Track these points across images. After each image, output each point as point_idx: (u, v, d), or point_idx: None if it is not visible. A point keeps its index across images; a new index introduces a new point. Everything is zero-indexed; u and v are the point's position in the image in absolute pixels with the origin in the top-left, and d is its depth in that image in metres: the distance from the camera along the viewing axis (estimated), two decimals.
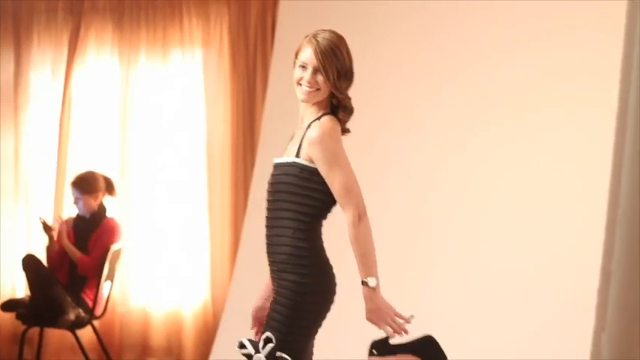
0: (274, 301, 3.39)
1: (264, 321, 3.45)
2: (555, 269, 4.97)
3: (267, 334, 3.33)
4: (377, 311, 3.27)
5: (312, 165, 3.33)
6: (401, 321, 3.29)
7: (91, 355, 6.71)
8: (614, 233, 2.73)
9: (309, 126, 3.37)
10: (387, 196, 5.81)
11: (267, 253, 3.49)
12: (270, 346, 3.31)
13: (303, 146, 3.34)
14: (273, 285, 3.45)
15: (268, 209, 3.48)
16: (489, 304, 5.28)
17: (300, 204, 3.35)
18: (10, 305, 6.57)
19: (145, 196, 7.09)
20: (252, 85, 7.02)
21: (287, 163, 3.38)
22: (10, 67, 7.38)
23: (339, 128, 3.39)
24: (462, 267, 5.48)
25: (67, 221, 6.61)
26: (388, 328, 3.28)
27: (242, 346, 3.42)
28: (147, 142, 7.10)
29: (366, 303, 3.28)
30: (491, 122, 5.54)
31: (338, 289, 3.44)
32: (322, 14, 6.27)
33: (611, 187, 2.80)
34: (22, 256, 6.39)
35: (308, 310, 3.34)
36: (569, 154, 5.08)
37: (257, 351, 3.35)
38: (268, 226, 3.47)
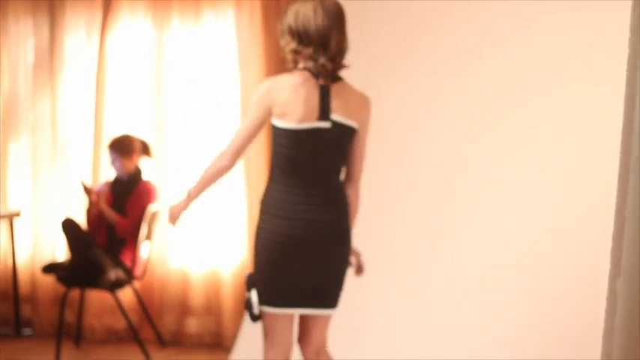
0: None
1: None
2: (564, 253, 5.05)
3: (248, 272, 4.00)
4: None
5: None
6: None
7: (131, 315, 6.81)
8: (627, 182, 2.73)
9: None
10: (390, 193, 5.84)
11: None
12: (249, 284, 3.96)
13: None
14: None
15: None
16: (497, 283, 5.33)
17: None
18: (51, 268, 6.66)
19: (181, 157, 7.12)
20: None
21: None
22: (45, 32, 7.41)
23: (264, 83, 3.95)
24: (470, 258, 5.53)
25: (105, 183, 6.68)
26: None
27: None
28: (182, 104, 7.13)
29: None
30: (495, 116, 5.57)
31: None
32: None
33: (623, 133, 2.81)
34: (62, 219, 6.47)
35: (262, 253, 3.92)
36: (580, 107, 5.12)
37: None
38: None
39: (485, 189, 5.56)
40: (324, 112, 3.82)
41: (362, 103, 3.94)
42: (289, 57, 3.92)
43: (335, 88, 3.87)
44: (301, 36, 3.86)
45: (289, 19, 3.88)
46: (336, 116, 3.84)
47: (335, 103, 3.85)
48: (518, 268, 5.29)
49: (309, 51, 3.85)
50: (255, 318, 3.95)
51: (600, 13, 5.09)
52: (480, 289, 5.42)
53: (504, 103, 5.54)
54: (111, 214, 6.51)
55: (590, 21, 5.16)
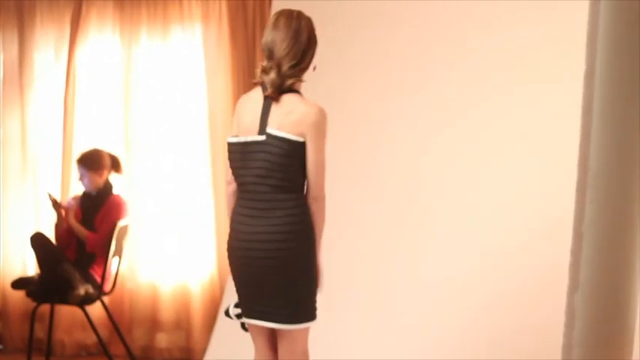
0: None
1: None
2: (531, 236, 5.07)
3: None
4: None
5: None
6: None
7: (101, 330, 6.81)
8: (584, 196, 2.78)
9: None
10: (376, 182, 5.87)
11: None
12: None
13: None
14: None
15: None
16: (474, 277, 5.36)
17: None
18: (20, 283, 6.66)
19: (150, 171, 7.15)
20: (251, 60, 7.05)
21: None
22: (14, 48, 7.44)
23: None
24: (450, 246, 5.55)
25: (74, 198, 6.69)
26: None
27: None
28: (150, 118, 7.15)
29: None
30: (471, 103, 5.60)
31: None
32: None
33: (580, 148, 2.85)
34: (31, 234, 6.47)
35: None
36: (538, 119, 5.17)
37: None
38: None
39: (443, 198, 5.59)
40: (261, 126, 3.86)
41: (306, 115, 3.84)
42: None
43: (281, 102, 3.88)
44: (263, 51, 3.94)
45: None
46: (273, 130, 3.84)
47: (275, 117, 3.86)
48: (474, 283, 5.31)
49: (263, 65, 3.91)
50: (241, 325, 4.19)
51: (561, 12, 5.12)
52: (438, 299, 5.45)
53: (465, 108, 5.57)
54: (80, 229, 6.51)
55: (551, 21, 5.19)
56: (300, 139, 3.82)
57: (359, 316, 5.65)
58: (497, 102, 5.43)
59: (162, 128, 7.14)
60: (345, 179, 5.63)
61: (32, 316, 6.58)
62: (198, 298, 7.04)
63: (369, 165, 5.89)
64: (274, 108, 3.86)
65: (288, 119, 3.83)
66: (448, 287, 5.42)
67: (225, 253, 6.76)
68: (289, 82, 3.88)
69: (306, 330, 3.98)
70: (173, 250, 7.12)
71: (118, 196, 6.67)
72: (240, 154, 3.91)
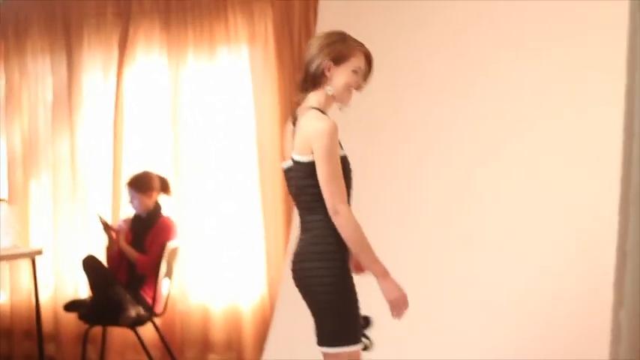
0: None
1: None
2: (575, 253, 5.01)
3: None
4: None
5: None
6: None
7: (153, 352, 6.82)
8: (628, 214, 2.76)
9: None
10: (381, 190, 5.85)
11: None
12: None
13: None
14: None
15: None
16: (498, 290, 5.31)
17: None
18: (73, 306, 6.71)
19: (199, 193, 7.18)
20: (298, 80, 7.06)
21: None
22: (63, 71, 7.52)
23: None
24: (453, 265, 5.51)
25: (125, 221, 6.72)
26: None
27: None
28: (198, 139, 7.18)
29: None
30: (500, 120, 5.55)
31: None
32: (361, 8, 6.33)
33: (623, 167, 2.82)
34: (83, 257, 6.51)
35: None
36: (579, 147, 5.10)
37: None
38: None
39: (481, 219, 5.55)
40: (289, 150, 3.80)
41: (308, 131, 3.66)
42: None
43: (299, 122, 3.77)
44: None
45: None
46: (293, 153, 3.74)
47: (295, 140, 3.74)
48: (519, 301, 5.26)
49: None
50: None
51: (596, 33, 5.06)
52: (480, 323, 5.40)
53: (505, 131, 5.53)
54: (130, 252, 6.54)
55: (586, 42, 5.14)
56: (311, 158, 3.66)
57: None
58: (539, 117, 5.37)
59: (211, 149, 7.17)
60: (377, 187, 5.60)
61: (84, 339, 6.63)
62: (249, 318, 7.05)
63: (382, 169, 5.88)
64: (297, 129, 3.77)
65: (298, 140, 3.70)
66: (486, 303, 5.39)
67: (277, 271, 6.84)
68: (299, 98, 3.87)
69: (347, 354, 3.87)
70: (223, 271, 7.14)
71: (167, 217, 6.69)
72: (286, 181, 3.89)
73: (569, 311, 4.97)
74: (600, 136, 4.90)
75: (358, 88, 3.66)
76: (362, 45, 3.67)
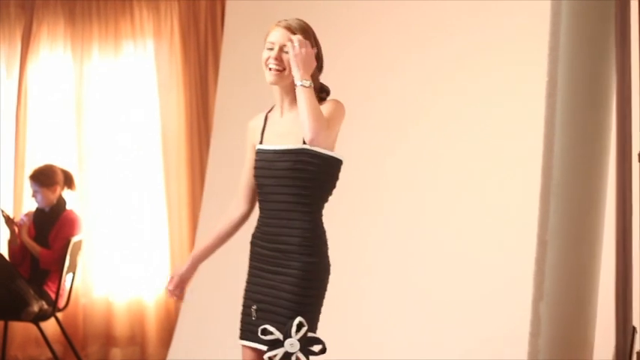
0: (285, 287, 3.44)
1: (266, 307, 3.49)
2: (497, 244, 5.10)
3: (300, 318, 3.37)
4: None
5: (325, 152, 3.42)
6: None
7: (55, 346, 6.75)
8: (548, 204, 2.85)
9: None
10: (348, 193, 5.90)
11: (270, 239, 3.53)
12: (304, 329, 3.36)
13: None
14: (278, 269, 3.49)
15: (268, 195, 3.54)
16: (433, 285, 5.39)
17: (310, 188, 3.44)
18: None
19: (103, 187, 7.17)
20: (204, 75, 7.13)
21: (296, 149, 3.44)
22: None
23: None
24: (412, 255, 5.56)
25: (27, 215, 6.67)
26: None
27: (266, 332, 3.43)
28: (103, 134, 7.18)
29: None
30: (427, 106, 5.63)
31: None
32: (270, 4, 6.37)
33: (544, 157, 2.91)
34: None
35: (320, 287, 3.47)
36: (504, 131, 5.21)
37: (286, 336, 3.38)
38: (271, 211, 3.53)
39: (423, 173, 5.59)
40: None
41: None
42: (317, 83, 3.60)
43: None
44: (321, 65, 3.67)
45: (314, 44, 3.55)
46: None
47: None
48: (438, 290, 5.34)
49: None
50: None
51: (522, 12, 5.14)
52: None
53: (437, 87, 5.58)
54: (33, 246, 6.48)
55: (514, 20, 5.22)
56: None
57: (364, 323, 5.64)
58: (463, 111, 5.46)
59: (115, 144, 7.17)
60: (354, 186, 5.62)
61: None
62: (153, 312, 7.06)
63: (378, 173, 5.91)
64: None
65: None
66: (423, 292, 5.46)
67: (181, 265, 6.82)
68: None
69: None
70: (127, 265, 7.13)
71: (71, 211, 6.65)
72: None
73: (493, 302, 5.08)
74: (523, 128, 5.02)
75: (272, 61, 3.46)
76: (284, 19, 3.54)
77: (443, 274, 5.34)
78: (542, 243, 2.89)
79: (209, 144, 6.94)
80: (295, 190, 3.44)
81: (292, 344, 3.37)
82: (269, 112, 3.69)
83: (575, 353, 3.02)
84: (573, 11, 2.89)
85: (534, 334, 3.01)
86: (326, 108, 3.45)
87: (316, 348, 3.39)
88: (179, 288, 3.81)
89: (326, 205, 3.52)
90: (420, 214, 5.58)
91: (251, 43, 6.51)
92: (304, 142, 3.41)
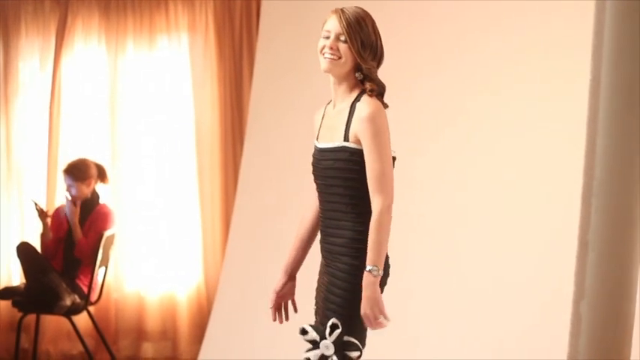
0: (331, 286, 3.41)
1: (320, 305, 3.48)
2: (535, 245, 5.05)
3: (333, 319, 3.34)
4: (372, 300, 3.25)
5: (361, 147, 3.33)
6: (381, 318, 3.29)
7: (87, 340, 6.78)
8: (590, 204, 2.81)
9: (352, 107, 3.36)
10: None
11: (323, 236, 3.51)
12: (337, 331, 3.33)
13: (351, 128, 3.34)
14: (327, 268, 3.47)
15: (322, 193, 3.49)
16: (469, 285, 5.34)
17: (355, 188, 3.35)
18: (6, 293, 6.64)
19: (137, 181, 7.17)
20: (238, 70, 7.10)
21: (335, 148, 3.39)
22: (0, 58, 7.43)
23: (384, 109, 3.40)
24: (442, 257, 5.51)
25: (59, 208, 6.68)
26: (367, 321, 3.29)
27: (304, 332, 3.43)
28: (136, 128, 7.18)
29: (365, 290, 3.27)
30: (466, 108, 5.58)
31: None
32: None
33: (586, 157, 2.88)
34: (17, 243, 6.46)
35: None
36: (543, 132, 5.15)
37: (322, 337, 3.36)
38: (325, 210, 3.48)
39: (462, 173, 5.52)
40: None
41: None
42: (375, 75, 3.47)
43: None
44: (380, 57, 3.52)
45: (372, 33, 3.43)
46: None
47: None
48: (478, 297, 5.30)
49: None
50: None
51: (569, 15, 5.07)
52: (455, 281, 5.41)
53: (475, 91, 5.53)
54: (77, 228, 6.48)
55: (559, 24, 5.16)
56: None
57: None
58: (503, 106, 5.40)
59: (149, 138, 7.17)
60: None
61: (18, 327, 6.58)
62: (185, 308, 7.06)
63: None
64: None
65: None
66: (452, 291, 5.41)
67: (213, 261, 6.81)
68: None
69: None
70: (159, 260, 7.14)
71: (104, 205, 6.66)
72: None
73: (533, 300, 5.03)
74: (562, 128, 4.96)
75: (328, 50, 3.37)
76: (341, 7, 3.42)
77: (479, 275, 5.30)
78: (583, 243, 2.86)
79: (243, 140, 6.92)
80: (339, 189, 3.40)
81: (327, 346, 3.35)
82: (329, 103, 3.60)
83: (614, 353, 2.99)
84: (618, 10, 2.84)
85: (575, 334, 2.97)
86: (370, 132, 3.29)
87: (354, 354, 3.34)
88: (276, 305, 3.70)
89: None
90: (455, 215, 5.54)
91: (286, 38, 6.55)
92: (345, 139, 3.35)
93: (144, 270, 7.16)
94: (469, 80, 5.57)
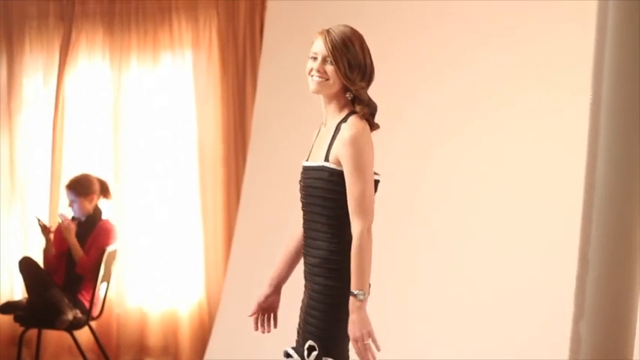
0: (309, 306, 3.39)
1: (300, 326, 3.46)
2: (536, 262, 5.04)
3: (310, 342, 3.33)
4: (359, 323, 3.21)
5: (340, 168, 3.28)
6: (370, 343, 3.23)
7: (89, 355, 6.78)
8: (591, 222, 2.82)
9: (337, 128, 3.33)
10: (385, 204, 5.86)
11: (303, 254, 3.49)
12: (314, 354, 3.31)
13: (332, 149, 3.31)
14: (307, 287, 3.45)
15: (303, 211, 3.46)
16: (472, 296, 5.34)
17: (333, 208, 3.31)
18: (8, 307, 6.64)
19: (139, 197, 7.19)
20: (242, 86, 7.12)
21: (316, 167, 3.36)
22: (3, 73, 7.45)
23: (369, 130, 3.36)
24: (450, 265, 5.51)
25: (65, 216, 6.69)
26: (358, 346, 3.23)
27: (287, 355, 3.44)
28: (139, 144, 7.19)
29: (351, 314, 3.23)
30: (472, 116, 5.58)
31: None
32: (309, 14, 6.35)
33: (587, 174, 2.88)
34: (19, 258, 6.47)
35: (346, 312, 3.26)
36: (545, 146, 5.15)
37: (303, 359, 3.35)
38: (305, 228, 3.46)
39: (470, 181, 5.51)
40: None
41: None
42: (364, 96, 3.42)
43: None
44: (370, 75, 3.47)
45: (360, 53, 3.37)
46: None
47: None
48: (481, 307, 5.29)
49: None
50: None
51: (569, 28, 5.08)
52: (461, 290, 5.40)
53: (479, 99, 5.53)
54: (77, 248, 6.47)
55: (557, 32, 5.17)
56: None
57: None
58: (510, 115, 5.41)
59: (152, 154, 7.18)
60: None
61: (20, 341, 6.58)
62: (187, 323, 7.06)
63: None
64: None
65: None
66: (450, 302, 5.41)
67: (215, 277, 6.80)
68: None
69: None
70: (161, 276, 7.14)
71: (107, 221, 6.67)
72: None
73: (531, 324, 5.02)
74: (564, 144, 4.96)
75: (315, 72, 3.35)
76: (328, 28, 3.39)
77: (481, 286, 5.30)
78: (584, 261, 2.86)
79: (245, 156, 6.93)
80: (318, 209, 3.36)
81: None
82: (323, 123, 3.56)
83: None
84: (619, 23, 2.85)
85: (574, 352, 2.97)
86: (350, 155, 3.25)
87: None
88: (257, 315, 3.68)
89: None
90: (458, 226, 5.54)
91: (290, 55, 6.56)
92: (326, 159, 3.33)
93: (146, 285, 7.17)
94: (474, 91, 5.59)
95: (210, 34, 7.15)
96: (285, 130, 6.50)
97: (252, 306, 3.69)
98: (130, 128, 7.21)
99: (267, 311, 3.68)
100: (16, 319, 6.52)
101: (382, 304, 5.39)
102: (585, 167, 2.90)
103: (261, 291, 3.70)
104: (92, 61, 7.35)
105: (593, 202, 2.84)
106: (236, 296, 6.51)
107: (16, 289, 7.30)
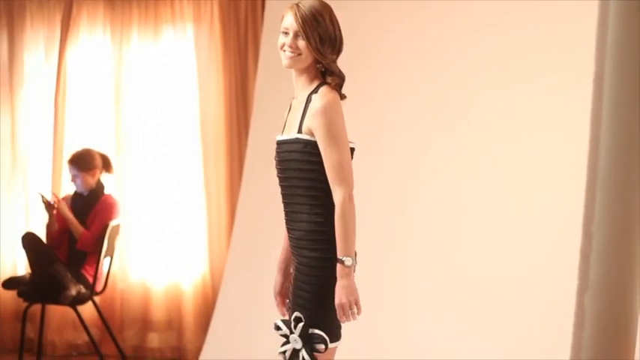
0: (296, 279, 3.42)
1: (290, 299, 3.49)
2: (540, 240, 5.04)
3: (296, 313, 3.36)
4: (346, 289, 3.24)
5: (314, 139, 3.31)
6: (355, 310, 3.27)
7: (92, 330, 6.82)
8: (594, 195, 2.81)
9: (308, 99, 3.36)
10: (365, 186, 5.87)
11: (287, 228, 3.50)
12: (300, 325, 3.33)
13: (305, 120, 3.33)
14: (294, 260, 3.48)
15: (281, 186, 3.47)
16: (469, 289, 5.33)
17: (311, 179, 3.33)
18: (11, 283, 6.66)
19: (142, 171, 7.18)
20: (243, 60, 7.11)
21: (290, 140, 3.37)
22: (4, 49, 7.44)
23: (339, 100, 3.38)
24: (446, 253, 5.50)
25: (64, 198, 6.69)
26: (341, 311, 3.26)
27: (277, 327, 3.49)
28: (141, 118, 7.18)
29: (339, 279, 3.26)
30: (469, 105, 5.57)
31: None
32: None
33: (590, 150, 2.87)
34: (22, 234, 6.48)
35: (332, 283, 3.30)
36: (547, 126, 5.13)
37: (291, 331, 3.38)
38: (285, 203, 3.47)
39: (468, 166, 5.51)
40: None
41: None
42: (335, 68, 3.44)
43: None
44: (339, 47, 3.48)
45: (330, 25, 3.38)
46: None
47: None
48: (480, 293, 5.29)
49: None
50: None
51: (571, 11, 5.05)
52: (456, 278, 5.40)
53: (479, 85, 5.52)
54: (75, 224, 6.48)
55: (561, 19, 5.14)
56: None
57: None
58: (506, 103, 5.39)
59: (154, 128, 7.17)
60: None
61: (23, 317, 6.60)
62: (190, 297, 7.07)
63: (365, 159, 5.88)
64: None
65: None
66: (455, 288, 5.41)
67: (218, 251, 6.80)
68: None
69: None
70: (165, 250, 7.15)
71: (109, 196, 6.68)
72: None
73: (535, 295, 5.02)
74: (566, 123, 4.95)
75: (287, 48, 3.37)
76: (297, 2, 3.40)
77: (484, 271, 5.28)
78: (587, 234, 2.85)
79: (248, 130, 6.92)
80: (295, 181, 3.38)
81: (296, 340, 3.36)
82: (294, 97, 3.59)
83: (618, 345, 2.99)
84: (622, 7, 2.84)
85: (578, 327, 2.97)
86: (322, 125, 3.28)
87: (320, 347, 3.31)
88: (282, 304, 3.69)
89: (358, 205, 3.37)
90: (457, 208, 5.52)
91: None
92: (299, 131, 3.34)
93: (149, 260, 7.17)
94: (472, 77, 5.54)
95: (211, 7, 7.12)
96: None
97: (272, 296, 3.70)
98: (132, 103, 7.19)
99: (287, 296, 3.65)
100: (19, 295, 6.53)
101: (380, 304, 5.46)
102: (589, 142, 2.89)
103: (275, 279, 3.71)
104: (93, 35, 7.32)
105: (597, 176, 2.83)
106: (239, 270, 6.52)
107: (19, 265, 7.31)
